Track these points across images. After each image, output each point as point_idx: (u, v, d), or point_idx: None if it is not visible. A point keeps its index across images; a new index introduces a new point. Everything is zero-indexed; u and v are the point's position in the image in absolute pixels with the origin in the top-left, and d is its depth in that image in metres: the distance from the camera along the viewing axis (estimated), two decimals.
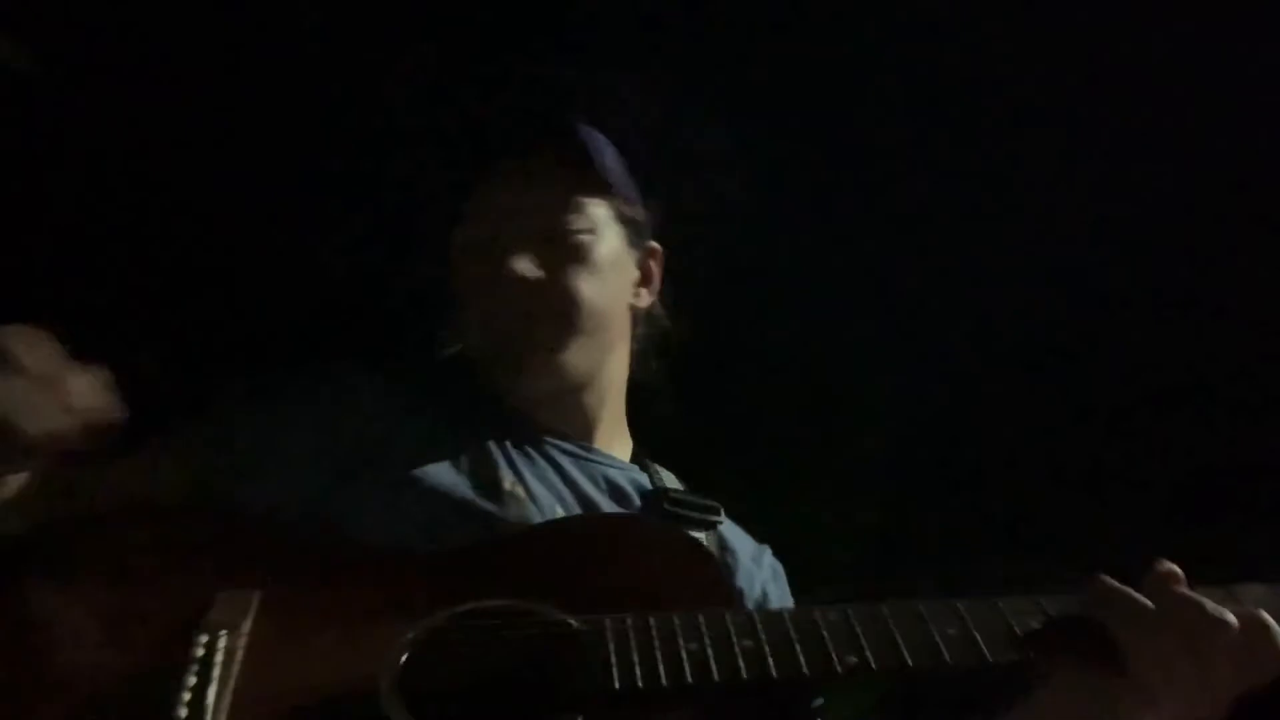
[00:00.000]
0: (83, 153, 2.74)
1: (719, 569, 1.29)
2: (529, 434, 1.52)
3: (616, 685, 1.10)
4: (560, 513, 1.43)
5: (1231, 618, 1.13)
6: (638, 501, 1.52)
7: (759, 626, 1.15)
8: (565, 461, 1.52)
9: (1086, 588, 1.20)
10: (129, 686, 1.11)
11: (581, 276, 1.51)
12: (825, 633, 1.14)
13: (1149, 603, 1.16)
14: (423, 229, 1.64)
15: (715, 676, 1.10)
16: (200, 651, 1.13)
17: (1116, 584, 1.18)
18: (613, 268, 1.56)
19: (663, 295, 1.69)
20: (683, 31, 2.87)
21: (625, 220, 1.60)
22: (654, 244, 1.67)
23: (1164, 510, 2.99)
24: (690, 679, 1.10)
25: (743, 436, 3.01)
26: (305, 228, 2.73)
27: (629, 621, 1.15)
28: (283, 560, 1.25)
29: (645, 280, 1.65)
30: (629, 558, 1.27)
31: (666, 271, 1.69)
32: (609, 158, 1.58)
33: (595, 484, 1.52)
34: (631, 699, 1.10)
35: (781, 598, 1.54)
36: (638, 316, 1.66)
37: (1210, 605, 1.15)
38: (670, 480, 1.61)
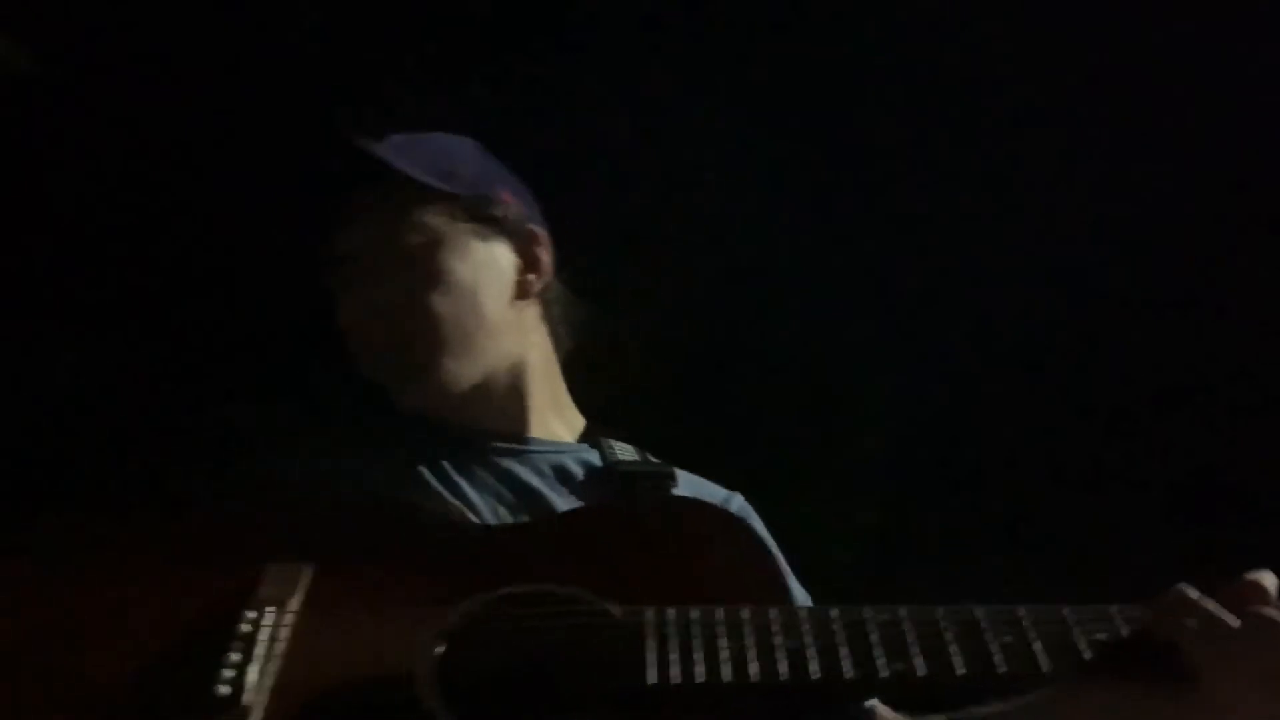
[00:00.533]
0: (83, 153, 2.74)
1: (774, 563, 1.26)
2: (458, 442, 1.51)
3: (653, 680, 1.09)
4: (503, 513, 1.43)
5: None
6: (583, 480, 1.52)
7: (804, 626, 1.12)
8: (502, 459, 1.51)
9: (1163, 597, 1.14)
10: (174, 661, 1.11)
11: (429, 292, 1.50)
12: (873, 636, 1.11)
13: (1232, 620, 1.09)
14: None
15: (753, 676, 1.08)
16: (246, 628, 1.12)
17: (1197, 596, 1.12)
18: (473, 268, 1.55)
19: (567, 273, 1.67)
20: (682, 31, 2.87)
21: (479, 218, 1.57)
22: (532, 228, 1.64)
23: (1164, 510, 2.99)
24: (728, 677, 1.08)
25: (743, 436, 3.01)
26: (306, 228, 2.72)
27: (670, 614, 1.13)
28: (335, 532, 1.25)
29: (531, 266, 1.63)
30: (679, 545, 1.25)
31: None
32: (429, 163, 1.56)
33: (538, 473, 1.51)
34: (666, 694, 1.08)
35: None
36: (541, 301, 1.65)
37: None
38: (625, 452, 1.59)
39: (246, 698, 1.07)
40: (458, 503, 1.43)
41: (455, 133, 1.68)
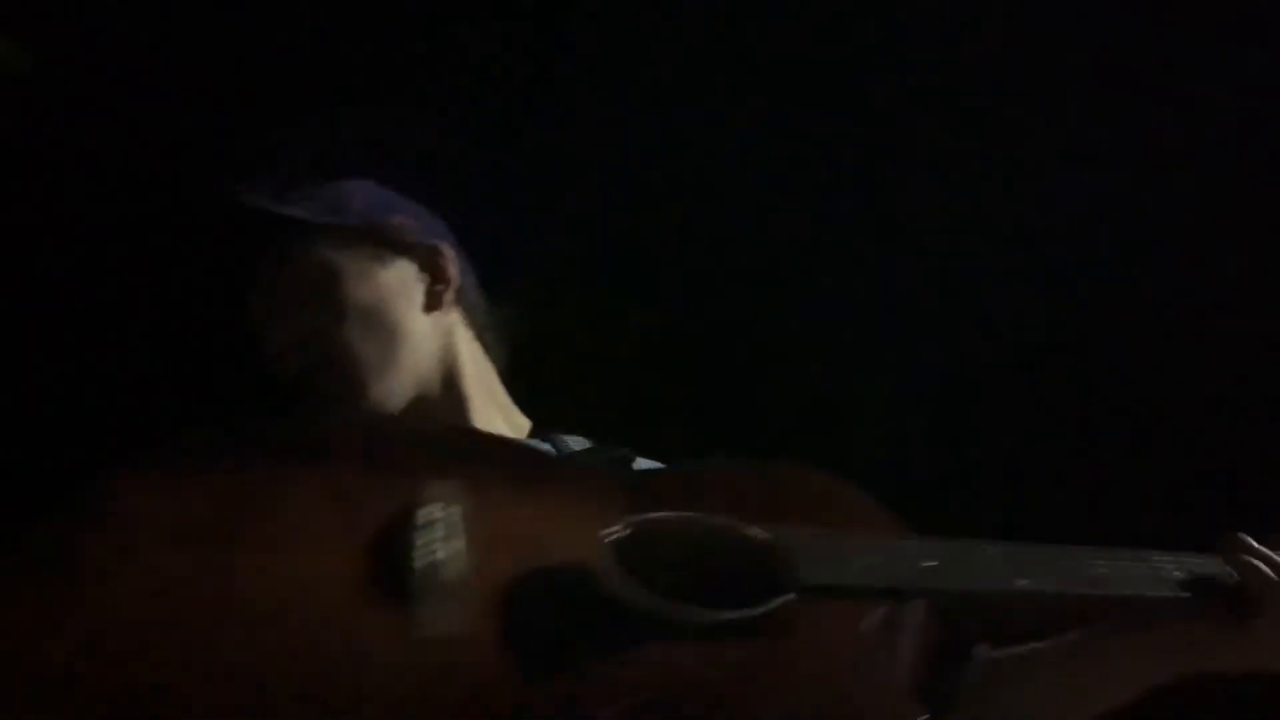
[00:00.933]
0: (83, 153, 2.74)
1: (879, 509, 1.35)
2: None
3: (806, 580, 1.14)
4: None
5: None
6: None
7: (936, 549, 1.23)
8: None
9: (1229, 539, 1.31)
10: (363, 543, 1.11)
11: (340, 322, 1.57)
12: (993, 555, 1.22)
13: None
14: None
15: (898, 585, 1.17)
16: (428, 513, 1.13)
17: (1259, 548, 1.29)
18: (378, 290, 1.61)
19: (477, 283, 1.75)
20: (680, 30, 2.87)
21: (376, 242, 1.65)
22: (432, 243, 1.71)
23: (1164, 510, 2.99)
24: (876, 583, 1.16)
25: (743, 436, 3.01)
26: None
27: (813, 535, 1.20)
28: (474, 457, 1.28)
29: (438, 278, 1.69)
30: (803, 496, 1.35)
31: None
32: (319, 204, 1.63)
33: None
34: (823, 593, 1.13)
35: None
36: (460, 309, 1.71)
37: None
38: (578, 443, 1.66)
39: (447, 564, 1.07)
40: None
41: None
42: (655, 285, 2.94)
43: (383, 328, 1.60)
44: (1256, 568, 1.24)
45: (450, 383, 1.63)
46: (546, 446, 1.63)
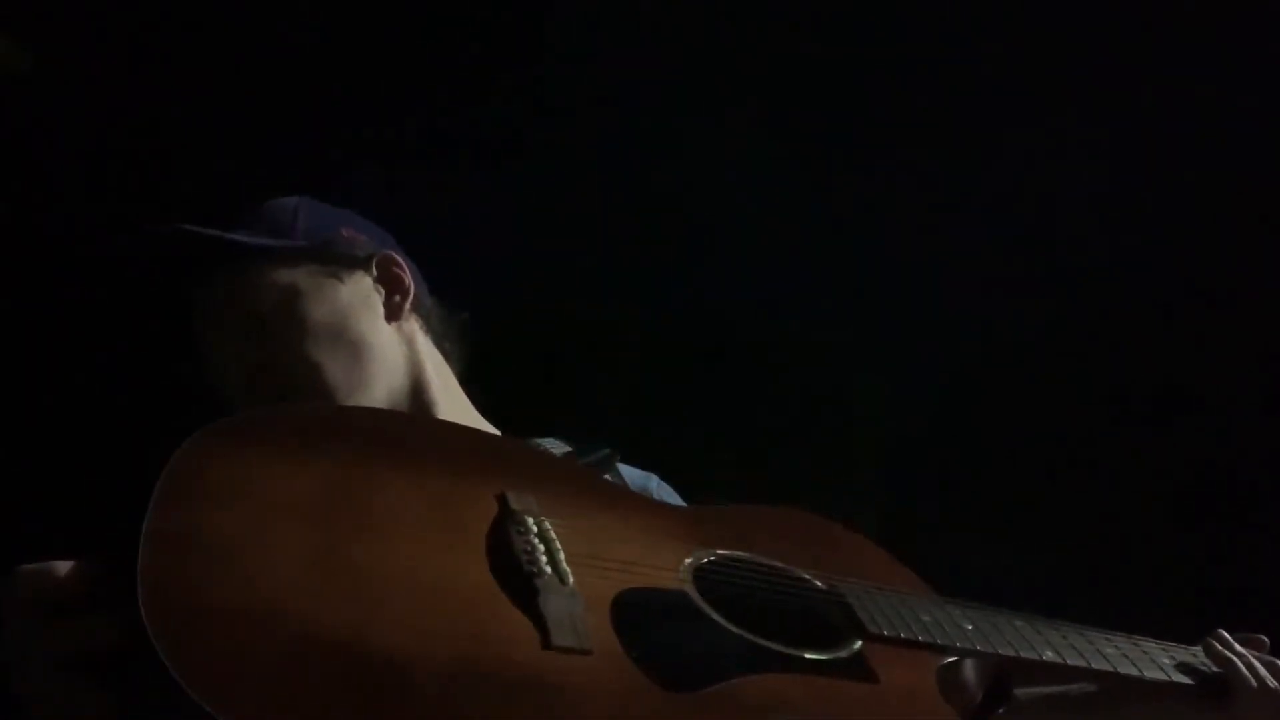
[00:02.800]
0: (83, 153, 2.74)
1: (907, 570, 1.42)
2: None
3: (869, 629, 1.21)
4: None
5: None
6: None
7: (971, 613, 1.32)
8: None
9: (1210, 640, 1.48)
10: (474, 546, 1.12)
11: (302, 343, 1.55)
12: (1020, 627, 1.33)
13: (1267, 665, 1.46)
14: None
15: (950, 642, 1.25)
16: (530, 523, 1.15)
17: (1238, 647, 1.48)
18: (336, 306, 1.60)
19: (430, 291, 1.74)
20: (682, 30, 2.87)
21: (327, 260, 1.63)
22: (384, 253, 1.70)
23: (1164, 510, 2.99)
24: (929, 638, 1.24)
25: (742, 436, 3.01)
26: None
27: (866, 587, 1.28)
28: (539, 472, 1.32)
29: (393, 288, 1.68)
30: (838, 543, 1.42)
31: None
32: (265, 227, 1.63)
33: None
34: (884, 643, 1.21)
35: None
36: (417, 317, 1.70)
37: None
38: (556, 446, 1.63)
39: (564, 570, 1.10)
40: None
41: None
42: (652, 285, 2.94)
43: (349, 344, 1.59)
44: (1234, 663, 1.43)
45: (418, 391, 1.63)
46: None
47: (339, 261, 1.64)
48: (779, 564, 1.28)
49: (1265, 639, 1.52)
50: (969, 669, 1.35)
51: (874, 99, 2.90)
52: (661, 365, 2.95)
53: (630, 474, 1.63)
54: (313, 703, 0.92)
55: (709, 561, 1.24)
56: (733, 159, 2.92)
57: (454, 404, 1.68)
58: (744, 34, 2.87)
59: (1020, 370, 3.00)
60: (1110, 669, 1.36)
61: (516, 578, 1.08)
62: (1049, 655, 1.32)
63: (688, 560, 1.22)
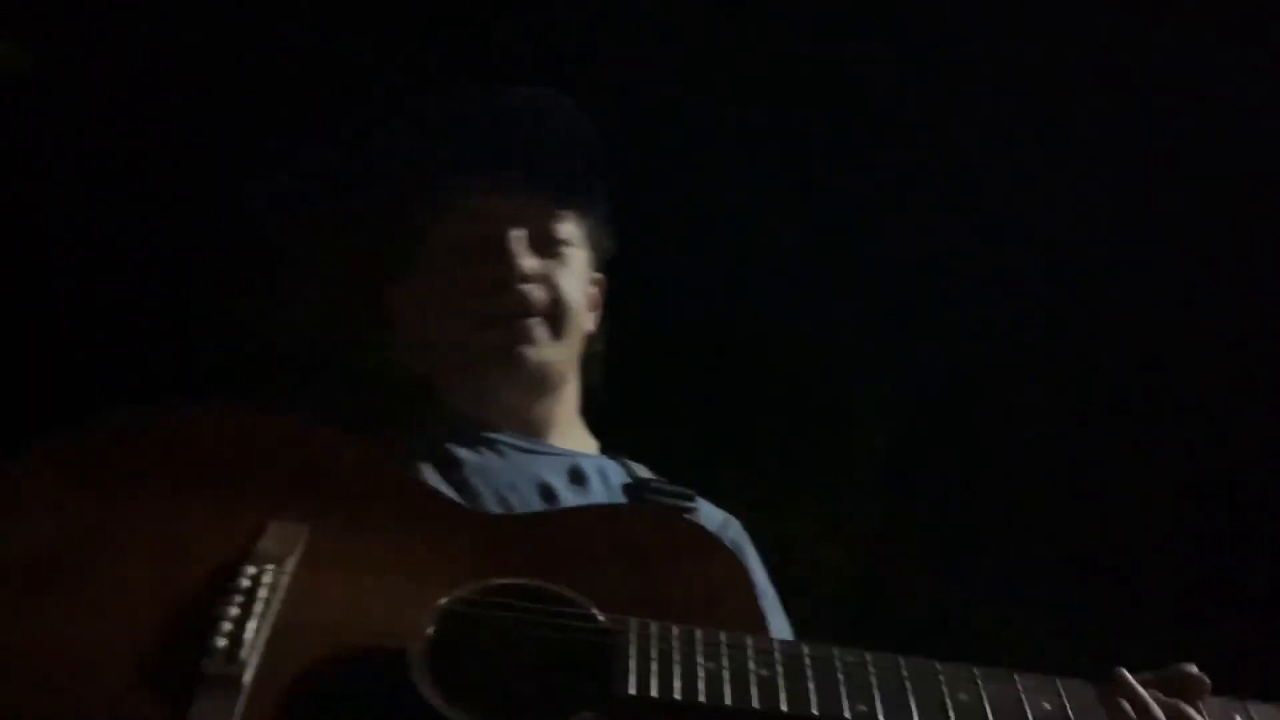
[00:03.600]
0: (83, 153, 2.74)
1: (754, 598, 1.30)
2: (473, 436, 1.57)
3: (631, 690, 1.12)
4: (513, 504, 1.47)
5: None
6: (599, 486, 1.58)
7: (777, 657, 1.17)
8: (516, 455, 1.57)
9: (1109, 682, 1.24)
10: (173, 607, 1.13)
11: (570, 282, 1.64)
12: (841, 675, 1.16)
13: (1158, 712, 1.22)
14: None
15: (727, 699, 1.12)
16: (246, 583, 1.14)
17: (1137, 689, 1.23)
18: (582, 282, 1.69)
19: (600, 324, 1.78)
20: (683, 31, 2.87)
21: (592, 245, 1.73)
22: (599, 274, 1.78)
23: (1164, 510, 2.99)
24: (702, 698, 1.12)
25: (741, 436, 3.01)
26: (306, 228, 2.73)
27: (654, 629, 1.17)
28: (339, 490, 1.28)
29: (592, 305, 1.76)
30: (671, 561, 1.29)
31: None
32: (582, 178, 1.70)
33: (556, 473, 1.56)
34: (644, 706, 1.12)
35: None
36: (587, 335, 1.75)
37: None
38: (644, 472, 1.67)
39: (243, 653, 1.08)
40: (452, 490, 1.45)
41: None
42: (652, 285, 2.94)
43: (579, 315, 1.67)
44: (1125, 710, 1.21)
45: (560, 388, 1.67)
46: (602, 464, 1.63)
47: (597, 253, 1.76)
48: (568, 593, 1.20)
49: (1206, 680, 1.27)
50: None
51: (877, 98, 2.91)
52: (662, 366, 2.95)
53: (710, 514, 1.62)
54: None
55: (472, 599, 1.17)
56: (734, 157, 2.92)
57: (567, 409, 1.72)
58: (748, 31, 2.87)
59: (1020, 371, 3.00)
60: None
61: (188, 655, 1.08)
62: (860, 710, 1.14)
63: (443, 601, 1.16)
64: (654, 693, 1.11)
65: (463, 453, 1.52)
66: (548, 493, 1.52)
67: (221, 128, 2.73)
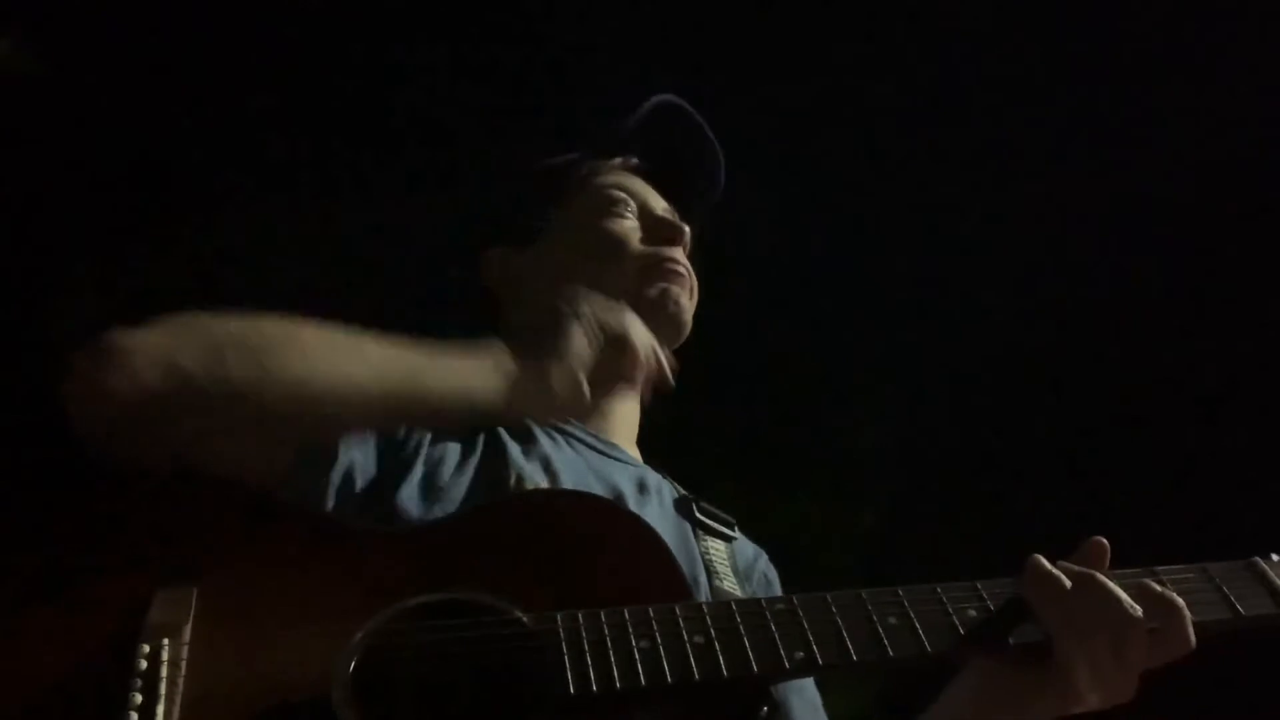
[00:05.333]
0: (83, 153, 2.74)
1: (674, 561, 1.24)
2: (557, 428, 1.54)
3: (571, 690, 1.08)
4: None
5: (1140, 613, 1.15)
6: (656, 501, 1.53)
7: (709, 620, 1.13)
8: (589, 453, 1.54)
9: (1023, 570, 1.21)
10: (71, 700, 1.06)
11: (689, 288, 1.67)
12: (773, 626, 1.14)
13: (1065, 581, 1.17)
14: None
15: (669, 677, 1.09)
16: (143, 664, 1.07)
17: (1047, 568, 1.20)
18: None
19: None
20: (685, 33, 2.87)
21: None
22: None
23: (1164, 510, 2.99)
24: (644, 680, 1.09)
25: (742, 436, 3.01)
26: (308, 227, 2.73)
27: (581, 619, 1.12)
28: (220, 541, 1.19)
29: None
30: (589, 543, 1.24)
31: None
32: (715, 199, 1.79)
33: (627, 480, 1.53)
34: (588, 701, 1.08)
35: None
36: None
37: (1127, 602, 1.16)
38: (667, 488, 1.62)
39: None
40: (542, 477, 1.42)
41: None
42: None
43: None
44: (1042, 591, 1.17)
45: (638, 395, 1.66)
46: (659, 480, 1.60)
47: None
48: (490, 600, 1.14)
49: (1104, 541, 1.23)
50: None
51: (878, 101, 2.91)
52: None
53: (743, 548, 1.60)
54: None
55: (388, 628, 1.11)
56: (735, 158, 2.92)
57: (634, 418, 1.71)
58: (748, 32, 2.87)
59: (1021, 370, 3.01)
60: (885, 658, 1.13)
61: None
62: (799, 657, 1.11)
63: (358, 636, 1.10)
64: (594, 687, 1.08)
65: (547, 440, 1.49)
66: (618, 499, 1.48)
67: (222, 128, 2.73)
